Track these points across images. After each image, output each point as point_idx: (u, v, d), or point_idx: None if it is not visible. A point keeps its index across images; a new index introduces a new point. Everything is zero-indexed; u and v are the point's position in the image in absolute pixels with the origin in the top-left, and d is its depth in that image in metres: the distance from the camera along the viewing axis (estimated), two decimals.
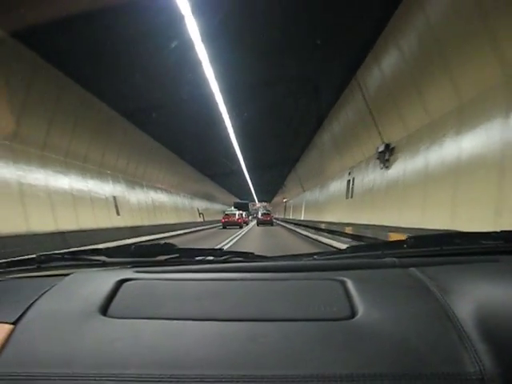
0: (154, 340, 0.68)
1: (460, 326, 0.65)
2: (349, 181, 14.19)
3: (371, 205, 11.10)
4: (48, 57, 8.67)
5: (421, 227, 7.20)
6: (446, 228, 6.10)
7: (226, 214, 28.69)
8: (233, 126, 16.68)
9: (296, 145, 21.53)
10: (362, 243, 7.18)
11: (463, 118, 6.45)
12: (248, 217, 42.52)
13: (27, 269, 1.09)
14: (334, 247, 9.16)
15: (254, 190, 51.99)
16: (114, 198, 14.14)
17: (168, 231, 17.92)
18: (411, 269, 0.89)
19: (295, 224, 25.63)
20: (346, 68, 10.49)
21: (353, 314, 0.72)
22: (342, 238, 11.48)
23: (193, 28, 7.86)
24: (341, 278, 0.84)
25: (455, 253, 1.04)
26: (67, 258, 1.14)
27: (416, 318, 0.69)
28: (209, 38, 8.38)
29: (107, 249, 1.15)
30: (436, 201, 7.06)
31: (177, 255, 1.13)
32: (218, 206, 43.42)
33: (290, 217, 33.86)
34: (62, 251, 1.18)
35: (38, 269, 1.08)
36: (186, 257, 1.14)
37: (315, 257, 1.07)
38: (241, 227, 26.79)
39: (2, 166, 8.35)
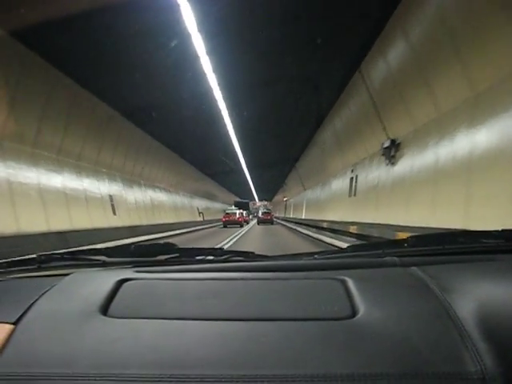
0: (154, 340, 0.67)
1: (461, 325, 0.64)
2: (351, 178, 13.82)
3: (376, 203, 10.72)
4: (44, 54, 8.42)
5: (430, 226, 6.83)
6: (458, 228, 5.72)
7: (227, 213, 28.77)
8: (233, 124, 16.64)
9: (297, 143, 21.43)
10: (363, 242, 6.94)
11: (476, 109, 6.06)
12: (248, 216, 42.67)
13: (27, 269, 1.08)
14: (337, 247, 8.78)
15: (255, 188, 51.96)
16: (111, 197, 13.76)
17: (167, 231, 17.55)
18: (412, 268, 0.88)
19: (296, 223, 25.29)
20: (348, 61, 10.23)
21: (353, 313, 0.71)
22: (345, 238, 11.09)
23: (193, 27, 7.86)
24: (341, 277, 0.84)
25: (456, 252, 1.03)
26: (67, 257, 1.13)
27: (417, 317, 0.68)
28: (209, 37, 8.41)
29: (107, 248, 1.15)
30: (447, 198, 6.67)
31: (177, 255, 1.12)
32: (218, 205, 43.15)
33: (291, 216, 33.58)
34: (62, 251, 1.17)
35: (39, 269, 1.07)
36: (187, 256, 1.13)
37: (316, 256, 1.06)
38: (241, 226, 26.78)
39: None
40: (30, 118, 9.01)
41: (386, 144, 9.50)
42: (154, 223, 17.54)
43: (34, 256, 1.09)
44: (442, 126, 7.05)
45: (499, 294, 0.75)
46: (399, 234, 7.00)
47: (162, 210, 20.63)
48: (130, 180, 16.34)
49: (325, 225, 15.32)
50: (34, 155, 9.37)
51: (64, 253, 1.15)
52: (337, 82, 11.72)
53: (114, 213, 13.77)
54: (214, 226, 27.99)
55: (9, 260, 1.11)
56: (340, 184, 15.76)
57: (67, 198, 10.61)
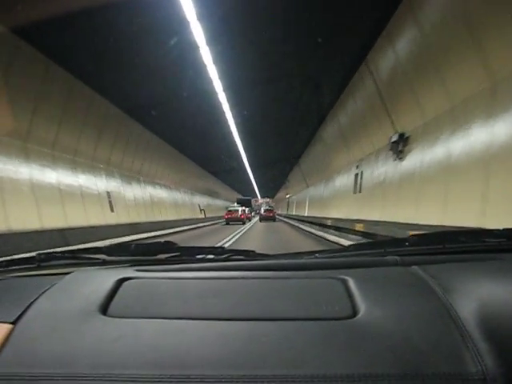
0: (154, 339, 0.67)
1: (462, 325, 0.64)
2: (356, 174, 13.39)
3: (382, 200, 10.29)
4: (36, 44, 8.11)
5: (443, 224, 6.41)
6: (474, 226, 5.30)
7: (229, 211, 29.07)
8: (235, 122, 16.63)
9: (299, 139, 21.31)
10: (365, 241, 6.67)
11: (494, 99, 5.61)
12: (251, 213, 42.89)
13: (27, 267, 1.08)
14: (341, 245, 8.39)
15: (257, 185, 51.87)
16: (108, 193, 13.37)
17: (167, 228, 17.20)
18: (413, 267, 0.88)
19: (299, 220, 24.93)
20: (354, 53, 9.92)
21: (354, 312, 0.70)
22: (350, 236, 10.68)
23: (195, 25, 7.89)
24: (342, 276, 0.83)
25: (457, 251, 1.02)
26: (67, 256, 1.13)
27: (418, 316, 0.68)
28: (211, 35, 8.45)
29: (107, 247, 1.15)
30: (461, 195, 6.24)
31: (177, 254, 1.12)
32: (220, 203, 42.92)
33: (294, 213, 33.27)
34: (61, 249, 1.17)
35: (38, 267, 1.07)
36: (187, 255, 1.13)
37: (317, 255, 1.06)
38: (243, 223, 26.95)
39: None
40: (22, 111, 8.62)
41: (394, 138, 9.06)
42: (153, 220, 17.18)
43: (33, 255, 1.08)
44: (456, 118, 6.61)
45: (501, 293, 0.74)
46: (410, 233, 6.57)
47: (162, 207, 20.26)
48: (129, 176, 15.95)
49: (329, 222, 14.89)
50: (26, 150, 8.98)
51: (64, 251, 1.14)
52: (341, 75, 11.49)
53: (112, 210, 13.39)
54: (216, 224, 27.80)
55: (8, 259, 1.10)
56: (344, 180, 15.35)
57: (62, 194, 10.23)
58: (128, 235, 12.29)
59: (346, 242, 9.11)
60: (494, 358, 0.58)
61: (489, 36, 5.50)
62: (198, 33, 8.25)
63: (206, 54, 9.34)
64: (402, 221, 8.26)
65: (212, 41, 8.73)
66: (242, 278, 0.88)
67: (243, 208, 30.31)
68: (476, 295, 0.72)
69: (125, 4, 6.98)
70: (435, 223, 6.69)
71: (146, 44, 8.64)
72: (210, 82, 11.17)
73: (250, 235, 16.01)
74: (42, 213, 9.13)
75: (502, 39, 5.28)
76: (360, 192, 12.84)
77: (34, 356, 0.65)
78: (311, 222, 19.52)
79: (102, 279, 0.88)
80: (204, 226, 24.60)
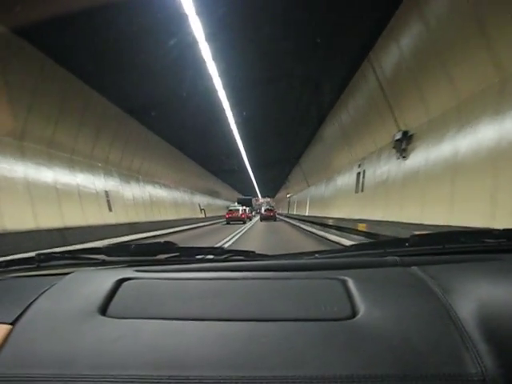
0: (153, 340, 0.66)
1: (461, 325, 0.64)
2: (358, 173, 13.18)
3: (385, 199, 10.08)
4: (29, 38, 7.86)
5: (449, 224, 6.21)
6: (482, 227, 5.09)
7: (230, 210, 29.15)
8: (236, 121, 16.61)
9: (300, 138, 21.24)
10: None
11: (504, 95, 5.40)
12: (251, 212, 42.81)
13: (27, 268, 1.07)
14: (343, 246, 8.20)
15: (258, 185, 51.76)
16: (106, 192, 13.18)
17: (166, 228, 17.00)
18: (413, 267, 0.88)
19: (300, 220, 24.74)
20: (356, 51, 9.69)
21: (354, 313, 0.70)
22: (352, 236, 10.48)
23: (195, 24, 7.92)
24: (342, 277, 0.83)
25: (457, 251, 1.03)
26: (67, 256, 1.13)
27: (417, 317, 0.68)
28: (211, 34, 8.42)
29: (107, 247, 1.15)
30: (469, 194, 6.03)
31: (177, 254, 1.11)
32: (220, 202, 42.75)
33: (294, 212, 33.10)
34: (61, 250, 1.17)
35: (38, 268, 1.07)
36: (187, 256, 1.13)
37: (316, 255, 1.06)
38: (244, 222, 27.06)
39: None
40: (17, 108, 8.43)
41: (398, 136, 8.85)
42: (152, 220, 16.99)
43: (33, 255, 1.08)
44: (463, 114, 6.40)
45: (500, 294, 0.73)
46: (416, 233, 6.36)
47: (162, 206, 20.06)
48: (128, 175, 15.74)
49: (330, 222, 14.69)
50: (22, 148, 8.78)
51: (63, 252, 1.14)
52: (342, 74, 11.30)
53: (110, 209, 13.20)
54: (216, 223, 27.66)
55: (8, 259, 1.09)
56: (346, 180, 15.14)
57: (58, 193, 10.03)
58: (126, 235, 12.10)
59: (347, 242, 8.91)
60: (494, 358, 0.58)
61: (499, 30, 5.29)
62: (197, 33, 8.26)
63: (206, 54, 9.34)
64: (406, 221, 8.06)
65: (212, 40, 8.70)
66: (242, 278, 0.87)
67: (244, 207, 30.42)
68: (476, 296, 0.72)
69: (124, 3, 6.95)
70: (441, 223, 6.48)
71: (145, 43, 8.57)
72: (210, 81, 11.13)
73: (251, 235, 15.85)
74: (38, 212, 8.93)
75: None
76: (362, 191, 12.63)
77: (33, 357, 0.64)
78: (312, 222, 19.32)
79: (102, 279, 0.88)
80: (204, 225, 24.45)
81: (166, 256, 1.11)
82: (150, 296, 0.81)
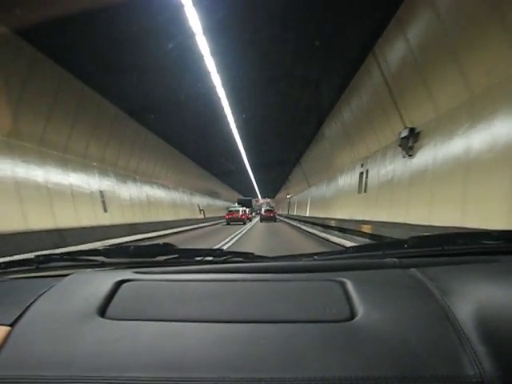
0: (152, 342, 0.66)
1: (460, 327, 0.64)
2: (361, 173, 12.80)
3: (390, 199, 9.69)
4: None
5: (463, 226, 5.81)
6: (505, 228, 4.68)
7: (230, 211, 29.36)
8: (236, 122, 16.56)
9: (301, 138, 21.12)
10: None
11: None
12: (251, 213, 42.85)
13: (26, 269, 1.07)
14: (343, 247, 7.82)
15: (258, 186, 51.71)
16: (101, 193, 12.77)
17: (164, 229, 16.60)
18: (412, 269, 0.88)
19: (300, 221, 24.38)
20: (360, 45, 9.36)
21: (352, 315, 0.70)
22: (356, 238, 10.08)
23: (195, 25, 7.92)
24: (341, 278, 0.83)
25: (456, 253, 1.03)
26: (66, 258, 1.13)
27: (416, 319, 0.68)
28: (211, 35, 8.44)
29: (106, 249, 1.15)
30: (484, 193, 5.63)
31: (176, 256, 1.11)
32: (220, 203, 42.44)
33: (295, 213, 32.81)
34: (60, 251, 1.15)
35: (37, 269, 1.07)
36: (186, 257, 1.13)
37: (315, 257, 1.06)
38: (244, 223, 27.12)
39: None
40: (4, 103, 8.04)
41: (404, 134, 8.46)
42: (150, 221, 16.58)
43: (32, 256, 1.08)
44: (476, 109, 6.00)
45: (499, 296, 0.74)
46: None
47: (160, 206, 19.65)
48: (124, 175, 15.33)
49: (332, 223, 14.29)
50: (9, 145, 8.39)
51: (63, 253, 1.13)
52: (344, 71, 11.05)
53: (105, 210, 12.79)
54: (216, 224, 27.35)
55: (7, 260, 1.09)
56: (348, 180, 14.75)
57: (50, 193, 9.63)
58: (122, 236, 11.70)
59: (351, 245, 8.52)
60: (492, 360, 0.58)
61: None
62: (197, 33, 8.26)
63: (206, 55, 9.32)
64: (413, 222, 7.67)
65: (211, 41, 8.68)
66: (241, 280, 0.87)
67: (244, 208, 30.82)
68: (474, 298, 0.72)
69: (124, 4, 6.91)
70: (453, 225, 6.08)
71: (145, 43, 8.53)
72: (209, 81, 11.09)
73: (250, 236, 15.51)
74: (28, 213, 8.54)
75: None
76: (365, 192, 12.24)
77: (32, 358, 0.64)
78: (313, 223, 18.96)
79: (101, 281, 0.87)
80: (203, 226, 24.11)
81: (164, 258, 1.10)
82: (148, 298, 0.81)
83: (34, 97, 8.74)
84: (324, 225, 15.76)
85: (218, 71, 10.50)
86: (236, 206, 32.77)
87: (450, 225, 6.16)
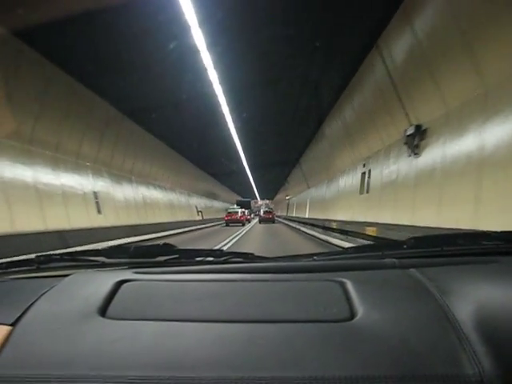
0: (153, 341, 0.67)
1: (459, 327, 0.64)
2: (363, 174, 12.42)
3: (394, 200, 9.31)
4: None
5: (474, 228, 5.41)
6: None
7: (229, 212, 29.59)
8: (234, 123, 16.40)
9: (300, 139, 20.94)
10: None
11: None
12: (250, 215, 42.76)
13: (26, 269, 1.07)
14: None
15: (256, 187, 51.53)
16: (95, 193, 12.35)
17: (160, 231, 16.18)
18: (411, 270, 0.88)
19: (299, 222, 23.98)
20: (362, 40, 9.03)
21: (352, 315, 0.70)
22: (359, 241, 9.68)
23: (195, 26, 7.89)
24: (340, 279, 0.83)
25: (455, 253, 1.03)
26: (66, 258, 1.13)
27: (415, 319, 0.68)
28: (210, 36, 8.38)
29: (106, 249, 1.15)
30: (499, 193, 5.24)
31: (176, 256, 1.12)
32: (219, 204, 42.12)
33: (294, 214, 32.45)
34: (61, 252, 1.15)
35: (37, 269, 1.07)
36: (186, 258, 1.13)
37: (315, 257, 1.06)
38: (243, 225, 27.16)
39: None
40: None
41: (410, 131, 8.07)
42: (146, 223, 16.15)
43: (32, 257, 1.08)
44: (490, 103, 5.61)
45: (498, 296, 0.74)
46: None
47: (156, 208, 19.23)
48: (119, 176, 14.91)
49: (334, 225, 13.88)
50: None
51: (63, 253, 1.13)
52: (344, 68, 10.77)
53: (99, 211, 12.37)
54: (214, 226, 27.00)
55: (7, 260, 1.09)
56: (349, 180, 14.37)
57: (39, 194, 9.22)
58: (116, 239, 11.27)
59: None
60: (491, 360, 0.58)
61: None
62: (196, 35, 8.26)
63: (205, 55, 9.30)
64: (419, 224, 7.28)
65: (211, 42, 8.65)
66: (241, 280, 0.88)
67: (243, 210, 31.04)
68: (473, 298, 0.72)
69: (125, 6, 6.93)
70: (465, 227, 5.68)
71: (144, 44, 8.45)
72: (208, 82, 10.97)
73: (249, 237, 15.12)
74: (15, 215, 8.12)
75: None
76: (367, 192, 11.86)
77: (33, 358, 0.65)
78: (313, 225, 18.57)
79: (101, 281, 0.87)
80: (201, 228, 23.75)
81: (165, 258, 1.10)
82: (149, 298, 0.81)
83: (21, 94, 8.33)
84: (324, 227, 15.36)
85: (217, 71, 10.37)
86: (235, 208, 32.88)
87: (461, 227, 5.76)
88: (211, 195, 37.68)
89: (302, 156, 24.88)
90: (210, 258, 1.11)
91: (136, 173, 16.76)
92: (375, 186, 11.09)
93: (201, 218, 29.18)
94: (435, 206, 6.99)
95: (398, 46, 7.92)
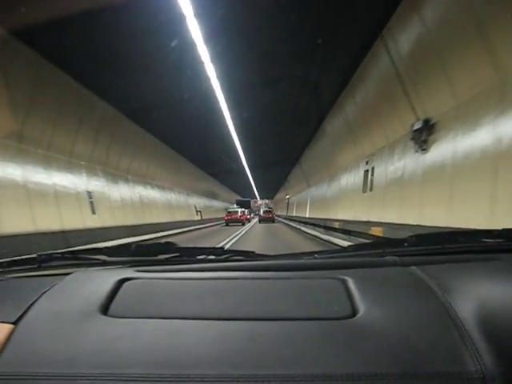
0: (154, 339, 0.67)
1: (461, 324, 0.64)
2: (366, 171, 12.02)
3: (400, 198, 8.92)
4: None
5: (489, 227, 5.01)
6: None
7: (229, 212, 29.69)
8: (234, 122, 16.31)
9: (301, 137, 20.80)
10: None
11: None
12: (250, 214, 42.77)
13: (28, 268, 1.07)
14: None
15: (256, 186, 51.42)
16: (89, 193, 11.95)
17: (158, 231, 15.80)
18: (412, 267, 0.88)
19: (300, 222, 23.62)
20: (366, 32, 8.66)
21: (354, 312, 0.71)
22: (362, 241, 9.27)
23: (194, 26, 7.88)
24: (342, 276, 0.83)
25: (456, 251, 1.03)
26: (68, 257, 1.14)
27: (417, 316, 0.68)
28: (209, 35, 8.38)
29: (108, 248, 1.15)
30: None
31: (177, 254, 1.12)
32: (218, 204, 41.77)
33: (294, 214, 32.11)
34: (62, 250, 1.15)
35: (39, 268, 1.07)
36: (187, 256, 1.13)
37: (316, 255, 1.06)
38: (243, 224, 27.17)
39: None
40: None
41: (417, 126, 7.68)
42: (143, 223, 15.75)
43: (34, 255, 1.07)
44: (508, 93, 5.22)
45: (499, 293, 0.74)
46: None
47: (154, 208, 18.82)
48: (115, 175, 14.50)
49: (336, 225, 13.48)
50: None
51: (64, 252, 1.14)
52: (346, 63, 10.45)
53: (94, 212, 11.97)
54: (213, 226, 26.68)
55: (9, 259, 1.09)
56: (352, 178, 13.98)
57: (29, 193, 8.82)
58: (111, 240, 10.86)
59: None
60: (493, 357, 0.58)
61: None
62: (196, 35, 8.22)
63: (205, 55, 9.26)
64: (428, 223, 6.91)
65: (210, 41, 8.62)
66: (242, 278, 0.88)
67: (242, 209, 31.22)
68: (475, 295, 0.72)
69: (123, 6, 6.88)
70: (476, 226, 5.29)
71: (142, 42, 8.36)
72: (208, 81, 10.94)
73: (250, 236, 14.79)
74: (3, 215, 7.73)
75: None
76: (371, 191, 11.46)
77: (35, 356, 0.65)
78: (314, 224, 18.18)
79: (103, 280, 0.88)
80: (200, 228, 23.43)
81: (166, 256, 1.09)
82: (150, 296, 0.81)
83: (9, 88, 7.94)
84: (326, 226, 14.96)
85: (217, 72, 10.35)
86: (235, 208, 32.97)
87: (474, 226, 5.37)
88: (210, 195, 37.36)
89: (302, 155, 24.59)
90: (211, 256, 1.10)
91: (133, 172, 16.36)
92: (379, 184, 10.70)
93: (200, 218, 28.81)
94: (445, 204, 6.60)
95: (405, 36, 7.51)
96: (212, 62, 9.66)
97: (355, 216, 12.35)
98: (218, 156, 24.04)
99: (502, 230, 1.05)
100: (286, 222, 30.76)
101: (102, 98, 11.30)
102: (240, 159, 27.05)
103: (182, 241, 13.46)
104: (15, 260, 1.10)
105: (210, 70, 10.20)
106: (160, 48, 8.63)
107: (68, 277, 0.93)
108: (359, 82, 10.85)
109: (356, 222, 11.64)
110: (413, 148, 8.10)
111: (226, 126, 16.90)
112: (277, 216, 38.15)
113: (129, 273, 0.92)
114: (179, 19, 7.55)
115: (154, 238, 13.55)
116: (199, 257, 1.11)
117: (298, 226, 21.31)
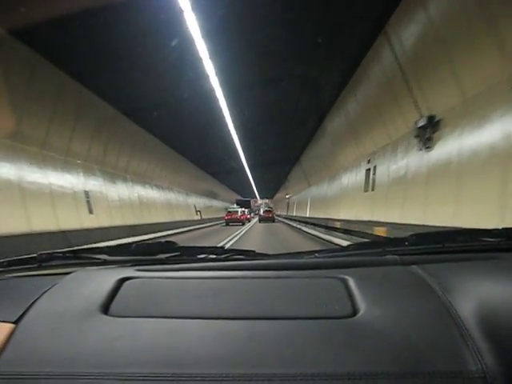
0: (155, 338, 0.67)
1: (462, 323, 0.64)
2: (368, 170, 11.83)
3: (403, 197, 8.72)
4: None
5: (499, 227, 4.81)
6: None
7: (229, 212, 29.59)
8: (234, 121, 16.25)
9: (301, 136, 20.66)
10: (364, 241, 5.41)
11: None
12: (250, 214, 42.72)
13: (28, 267, 1.07)
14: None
15: (256, 186, 51.34)
16: (87, 193, 11.74)
17: (157, 231, 15.60)
18: (413, 266, 0.88)
19: (300, 221, 23.44)
20: (368, 27, 8.48)
21: (354, 312, 0.70)
22: (364, 241, 9.07)
23: (193, 25, 7.89)
24: (342, 275, 0.83)
25: (457, 250, 1.03)
26: (68, 256, 1.13)
27: (417, 315, 0.68)
28: (209, 35, 8.39)
29: (108, 247, 1.15)
30: None
31: (178, 253, 1.12)
32: (218, 204, 41.59)
33: (294, 214, 31.96)
34: (62, 250, 1.15)
35: (39, 267, 1.07)
36: (187, 255, 1.13)
37: (316, 254, 1.05)
38: (243, 224, 27.21)
39: None
40: None
41: (421, 123, 7.48)
42: (141, 223, 15.55)
43: (34, 255, 1.07)
44: None
45: (500, 292, 0.74)
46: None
47: (153, 208, 18.62)
48: (113, 174, 14.30)
49: (337, 224, 13.29)
50: None
51: (65, 251, 1.13)
52: (347, 60, 10.29)
53: (91, 211, 11.77)
54: (212, 226, 26.51)
55: (9, 259, 1.09)
56: (353, 178, 13.78)
57: (24, 193, 8.62)
58: (108, 240, 10.66)
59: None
60: (494, 356, 0.58)
61: None
62: (195, 34, 8.21)
63: (204, 55, 9.25)
64: (433, 223, 6.70)
65: (210, 41, 8.62)
66: (242, 277, 0.88)
67: (242, 209, 31.13)
68: (475, 294, 0.71)
69: (122, 5, 6.86)
70: (485, 226, 5.09)
71: (141, 41, 8.32)
72: (207, 81, 10.88)
73: (250, 236, 14.61)
74: None
75: None
76: (373, 190, 11.27)
77: (36, 355, 0.64)
78: (314, 224, 17.99)
79: (103, 279, 0.88)
80: (200, 228, 23.23)
81: (166, 255, 1.09)
82: (151, 295, 0.80)
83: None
84: (327, 226, 14.76)
85: (216, 71, 10.27)
86: (235, 207, 32.86)
87: (482, 226, 5.17)
88: (210, 194, 37.20)
89: (303, 154, 24.43)
90: (212, 256, 1.10)
91: (131, 171, 16.16)
92: (381, 183, 10.51)
93: (199, 218, 28.63)
94: (451, 204, 6.40)
95: (409, 31, 7.31)
96: (211, 60, 9.56)
97: (356, 216, 12.16)
98: (217, 155, 23.93)
99: (502, 229, 1.05)
100: (287, 221, 30.64)
101: (99, 96, 11.12)
102: (240, 159, 26.91)
103: (182, 241, 13.26)
104: (15, 259, 1.09)
105: (210, 69, 10.12)
106: (159, 47, 8.60)
107: (68, 276, 0.93)
108: (361, 80, 10.66)
109: (357, 221, 11.44)
110: (416, 146, 7.91)
111: (226, 126, 16.80)
112: (277, 216, 38.08)
113: (129, 272, 0.92)
114: (179, 19, 7.54)
115: (153, 238, 13.36)
116: (199, 256, 1.11)
117: (299, 226, 21.13)
